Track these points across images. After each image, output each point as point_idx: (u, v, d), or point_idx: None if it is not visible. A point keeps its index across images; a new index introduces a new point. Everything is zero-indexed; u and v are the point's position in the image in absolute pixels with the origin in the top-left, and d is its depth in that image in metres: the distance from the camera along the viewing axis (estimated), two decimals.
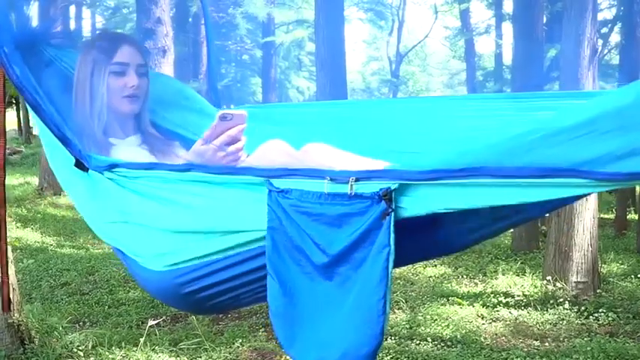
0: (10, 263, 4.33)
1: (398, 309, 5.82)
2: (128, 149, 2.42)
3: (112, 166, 2.15)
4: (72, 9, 22.95)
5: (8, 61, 2.24)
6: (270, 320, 1.88)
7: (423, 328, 5.30)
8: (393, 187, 1.63)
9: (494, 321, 5.53)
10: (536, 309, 5.76)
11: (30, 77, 2.29)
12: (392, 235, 1.64)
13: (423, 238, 1.95)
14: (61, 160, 2.35)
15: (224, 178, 1.92)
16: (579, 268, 6.14)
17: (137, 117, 2.52)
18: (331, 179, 1.70)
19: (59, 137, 2.24)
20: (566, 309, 5.69)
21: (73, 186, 2.37)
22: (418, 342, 4.98)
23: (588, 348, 4.77)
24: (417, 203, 1.64)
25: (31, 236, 8.99)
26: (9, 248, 4.34)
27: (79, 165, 2.24)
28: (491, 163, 1.56)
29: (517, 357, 4.68)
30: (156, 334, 4.92)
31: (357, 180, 1.67)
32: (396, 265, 1.90)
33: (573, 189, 1.49)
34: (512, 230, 7.93)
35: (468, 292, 6.33)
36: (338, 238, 1.72)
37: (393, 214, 1.64)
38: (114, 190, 2.18)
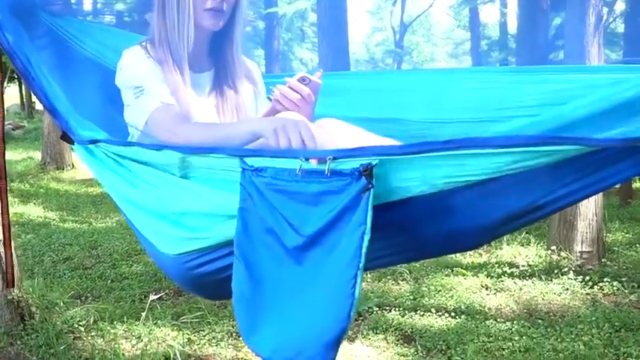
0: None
1: (402, 280, 5.79)
2: (196, 99, 2.28)
3: (93, 142, 2.09)
4: None
5: (0, 28, 2.18)
6: (233, 306, 1.79)
7: (427, 299, 5.27)
8: (373, 163, 1.53)
9: (499, 291, 5.50)
10: (540, 279, 5.72)
11: (23, 45, 2.23)
12: (369, 213, 1.54)
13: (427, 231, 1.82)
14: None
15: (201, 162, 1.86)
16: (584, 237, 6.10)
17: (215, 42, 2.35)
18: (306, 159, 1.60)
19: (47, 108, 2.19)
20: (571, 279, 5.65)
21: (92, 161, 2.30)
22: (422, 313, 4.96)
23: (593, 318, 4.74)
24: (399, 178, 1.56)
25: (34, 211, 8.98)
26: None
27: (65, 137, 2.17)
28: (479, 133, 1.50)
29: (521, 327, 4.65)
30: (158, 308, 4.91)
31: (334, 159, 1.56)
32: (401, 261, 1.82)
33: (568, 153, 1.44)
34: None
35: (472, 262, 6.30)
36: (313, 218, 1.62)
37: (372, 190, 1.54)
38: (104, 165, 2.13)
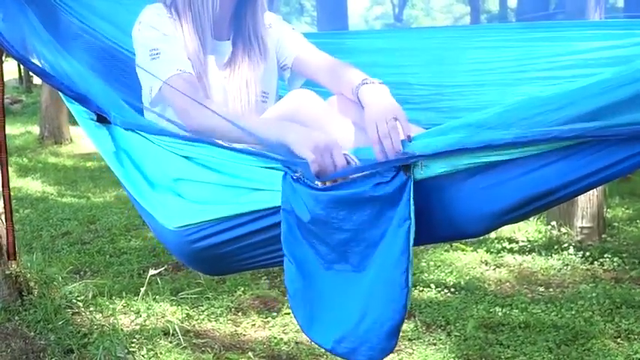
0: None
1: None
2: (213, 68, 2.25)
3: (127, 129, 2.11)
4: None
5: (7, 40, 2.20)
6: (289, 303, 1.86)
7: (426, 274, 5.26)
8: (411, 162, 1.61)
9: (498, 267, 5.49)
10: (540, 254, 5.71)
11: (32, 46, 2.26)
12: (412, 208, 1.58)
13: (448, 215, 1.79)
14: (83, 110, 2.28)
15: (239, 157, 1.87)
16: (584, 212, 6.06)
17: (239, 9, 2.29)
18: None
19: (75, 97, 2.18)
20: (571, 254, 5.64)
21: (96, 135, 2.29)
22: (422, 289, 4.95)
23: (593, 294, 4.73)
24: (437, 164, 1.62)
25: (32, 186, 8.93)
26: None
27: (102, 119, 2.19)
28: (512, 134, 1.52)
29: (521, 303, 4.64)
30: (157, 283, 4.87)
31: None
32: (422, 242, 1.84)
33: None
34: None
35: None
36: (353, 215, 1.67)
37: (411, 183, 1.59)
38: (134, 141, 2.13)
